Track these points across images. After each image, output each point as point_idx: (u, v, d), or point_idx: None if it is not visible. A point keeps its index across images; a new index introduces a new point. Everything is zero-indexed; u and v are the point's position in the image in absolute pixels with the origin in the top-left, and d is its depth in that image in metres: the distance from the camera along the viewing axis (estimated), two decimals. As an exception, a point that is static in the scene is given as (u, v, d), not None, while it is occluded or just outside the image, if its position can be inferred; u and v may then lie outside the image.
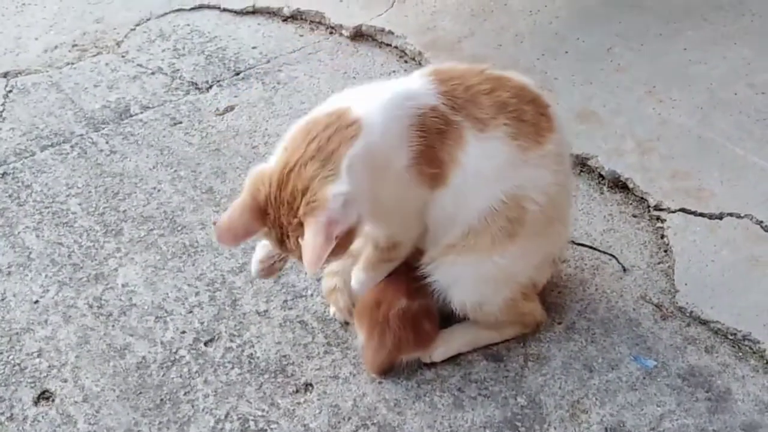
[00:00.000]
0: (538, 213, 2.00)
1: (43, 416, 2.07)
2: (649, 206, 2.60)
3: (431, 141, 1.92)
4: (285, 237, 1.90)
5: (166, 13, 3.58)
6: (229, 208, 1.93)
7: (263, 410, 2.08)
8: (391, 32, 3.36)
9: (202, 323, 2.28)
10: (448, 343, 2.20)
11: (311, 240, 1.80)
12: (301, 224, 1.84)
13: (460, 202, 1.98)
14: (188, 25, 3.52)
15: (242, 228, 1.92)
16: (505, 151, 1.96)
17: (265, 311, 2.32)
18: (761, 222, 2.50)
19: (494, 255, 2.01)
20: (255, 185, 1.90)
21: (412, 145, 1.90)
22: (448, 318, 2.18)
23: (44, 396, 2.12)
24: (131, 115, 3.01)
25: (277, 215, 1.88)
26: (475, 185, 1.96)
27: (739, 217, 2.53)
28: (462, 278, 2.06)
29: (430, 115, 1.92)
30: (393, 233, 2.08)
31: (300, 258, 1.87)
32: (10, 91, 3.13)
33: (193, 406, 2.09)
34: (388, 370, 2.15)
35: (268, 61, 3.29)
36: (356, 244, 2.22)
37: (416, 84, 1.99)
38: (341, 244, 1.84)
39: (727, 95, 2.98)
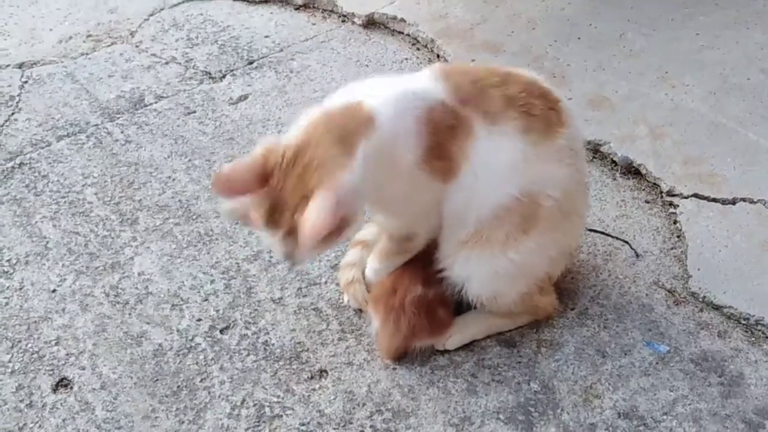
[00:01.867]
0: (554, 209, 2.00)
1: (61, 403, 2.10)
2: (661, 192, 2.61)
3: (441, 136, 1.92)
4: (279, 209, 1.87)
5: (180, 3, 3.60)
6: (234, 162, 1.92)
7: (278, 396, 2.10)
8: (403, 20, 3.37)
9: (217, 311, 2.30)
10: (462, 332, 2.21)
11: (316, 212, 1.77)
12: (305, 198, 1.81)
13: (473, 196, 1.97)
14: (201, 14, 3.53)
15: (241, 185, 1.89)
16: (516, 146, 1.95)
17: (280, 299, 2.34)
18: (774, 207, 2.51)
19: (509, 251, 2.02)
20: (267, 152, 1.89)
21: (422, 140, 1.90)
22: (462, 303, 2.18)
23: (62, 383, 2.14)
24: (145, 105, 3.03)
25: (281, 185, 1.86)
26: (487, 179, 1.95)
27: (751, 202, 2.54)
28: (476, 273, 2.07)
29: (439, 110, 1.92)
30: (408, 225, 2.10)
31: (285, 234, 1.87)
32: (26, 82, 3.15)
33: (209, 393, 2.11)
34: (402, 356, 2.17)
35: (281, 50, 3.31)
36: (371, 234, 2.25)
37: (424, 79, 1.99)
38: (333, 232, 1.82)
39: (739, 80, 2.98)
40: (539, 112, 1.98)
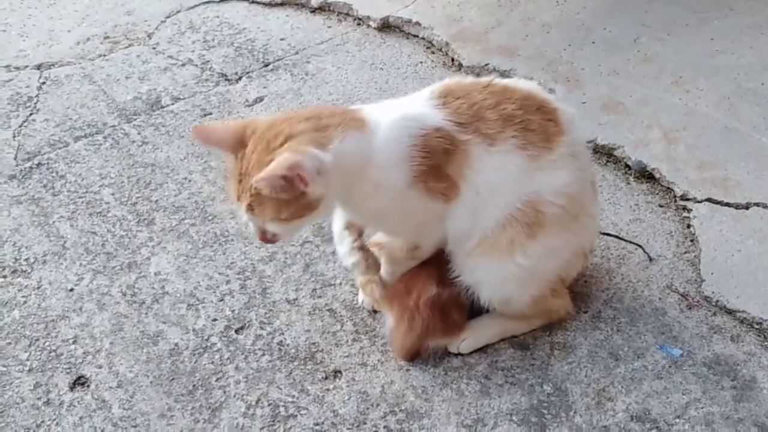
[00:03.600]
0: (559, 213, 2.03)
1: (78, 401, 2.12)
2: (675, 196, 2.61)
3: (436, 159, 1.96)
4: (246, 177, 1.90)
5: (196, 5, 3.63)
6: (220, 121, 1.97)
7: (293, 396, 2.12)
8: (418, 23, 3.38)
9: (233, 311, 2.33)
10: (475, 336, 2.23)
11: (271, 165, 1.81)
12: (270, 162, 1.84)
13: (475, 216, 2.03)
14: (218, 17, 3.56)
15: (216, 138, 1.97)
16: (515, 162, 1.99)
17: (295, 299, 2.35)
18: (788, 212, 2.51)
19: (516, 256, 2.04)
20: (249, 123, 1.95)
21: (413, 164, 1.94)
22: (474, 307, 2.20)
23: (80, 381, 2.17)
24: (162, 107, 3.06)
25: (252, 151, 1.90)
26: (489, 198, 2.01)
27: (765, 207, 2.54)
28: (486, 279, 2.11)
29: (435, 136, 1.96)
30: (409, 240, 2.15)
31: (247, 207, 1.91)
32: (44, 83, 3.18)
33: (224, 392, 2.13)
34: (415, 356, 2.18)
35: (297, 53, 3.33)
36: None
37: (423, 105, 2.03)
38: (285, 185, 1.83)
39: (753, 85, 2.98)
40: (536, 126, 2.02)
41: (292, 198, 1.86)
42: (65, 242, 2.52)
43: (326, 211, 2.01)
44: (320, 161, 1.84)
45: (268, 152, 1.86)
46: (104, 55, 3.34)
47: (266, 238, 1.98)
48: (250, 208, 1.91)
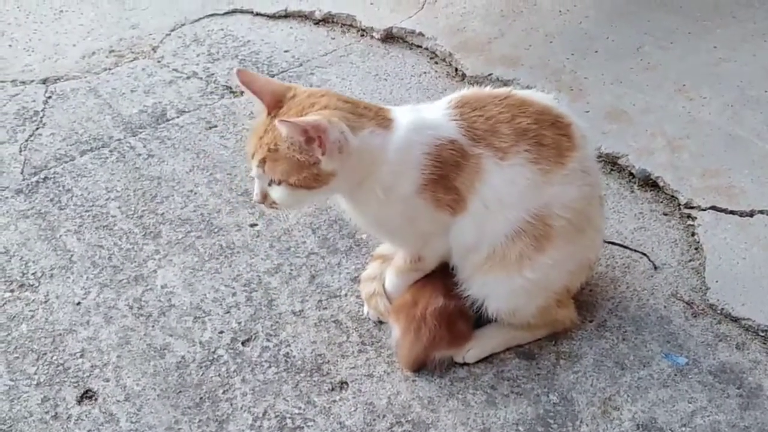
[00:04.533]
0: (566, 227, 2.04)
1: (86, 415, 2.13)
2: (679, 204, 2.62)
3: (446, 171, 1.99)
4: (272, 128, 1.94)
5: (200, 18, 3.64)
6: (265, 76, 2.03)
7: (300, 408, 2.13)
8: (421, 34, 3.40)
9: (239, 323, 2.33)
10: (481, 345, 2.24)
11: (300, 117, 1.89)
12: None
13: (482, 229, 2.05)
14: (222, 29, 3.57)
15: (258, 86, 2.01)
16: (526, 176, 2.01)
17: (301, 311, 2.36)
18: (792, 219, 2.52)
19: (525, 270, 2.06)
20: (292, 87, 2.01)
21: (424, 172, 1.98)
22: (481, 316, 2.21)
23: (87, 395, 2.18)
24: (168, 120, 3.07)
25: (285, 112, 1.95)
26: (498, 211, 2.02)
27: (769, 214, 2.55)
28: (494, 293, 2.13)
29: (448, 147, 1.99)
30: (412, 251, 2.17)
31: (261, 161, 1.95)
32: (50, 97, 3.20)
33: (231, 405, 2.14)
34: (421, 367, 2.19)
35: (301, 65, 3.34)
36: (390, 249, 2.29)
37: (442, 112, 2.06)
38: (301, 167, 1.90)
39: (756, 93, 2.99)
40: (550, 141, 2.03)
41: (305, 163, 1.91)
42: (72, 256, 2.54)
43: (331, 193, 2.06)
44: (346, 139, 1.89)
45: (299, 114, 1.92)
46: (109, 69, 3.36)
47: (265, 201, 2.02)
48: (263, 162, 1.94)
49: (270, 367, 2.23)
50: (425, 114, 2.06)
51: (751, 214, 2.55)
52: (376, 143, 1.96)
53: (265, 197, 2.02)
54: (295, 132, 1.86)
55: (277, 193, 1.99)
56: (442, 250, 2.15)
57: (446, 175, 2.00)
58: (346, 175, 1.95)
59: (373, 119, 1.98)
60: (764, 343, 2.25)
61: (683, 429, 2.07)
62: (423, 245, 2.14)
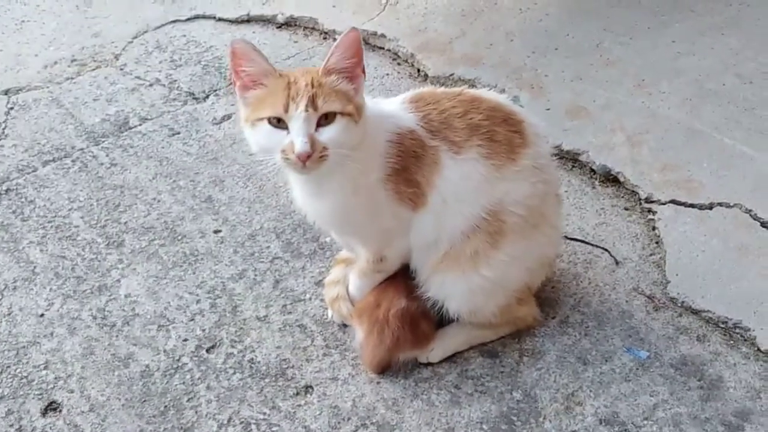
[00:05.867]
0: (519, 223, 2.07)
1: (50, 427, 2.12)
2: (640, 199, 2.64)
3: (408, 162, 2.02)
4: (298, 81, 1.92)
5: (163, 25, 3.64)
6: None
7: (265, 414, 2.13)
8: (383, 35, 3.41)
9: (203, 330, 2.34)
10: (444, 345, 2.25)
11: None
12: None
13: (441, 224, 2.07)
14: (184, 35, 3.57)
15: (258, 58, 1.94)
16: (480, 170, 2.03)
17: (265, 316, 2.37)
18: (750, 211, 2.54)
19: (481, 268, 2.08)
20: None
21: (389, 160, 2.01)
22: (444, 316, 2.22)
23: (52, 407, 2.17)
24: (130, 128, 3.07)
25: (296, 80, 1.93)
26: (455, 206, 2.05)
27: (728, 206, 2.57)
28: (453, 293, 2.14)
29: (409, 137, 2.02)
30: (374, 249, 2.17)
31: (309, 102, 1.90)
32: (12, 108, 3.18)
33: (196, 412, 2.14)
34: (386, 369, 2.20)
35: (264, 69, 3.33)
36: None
37: (399, 105, 2.09)
38: (349, 98, 1.92)
39: (715, 86, 3.02)
40: (501, 137, 2.06)
41: (349, 94, 1.92)
42: (35, 267, 2.53)
43: (360, 142, 1.96)
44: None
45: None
46: (72, 78, 3.34)
47: (314, 150, 1.87)
48: (312, 100, 1.87)
49: (235, 373, 2.23)
50: (385, 105, 2.10)
51: (710, 206, 2.58)
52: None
53: (314, 144, 1.88)
54: (354, 44, 1.90)
55: (330, 132, 1.89)
56: (404, 250, 2.16)
57: (407, 167, 2.02)
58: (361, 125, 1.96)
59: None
60: (724, 335, 2.28)
61: (645, 422, 2.09)
62: (385, 244, 2.15)
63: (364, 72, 1.95)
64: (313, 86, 1.89)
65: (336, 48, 1.90)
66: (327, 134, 1.89)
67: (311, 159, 1.87)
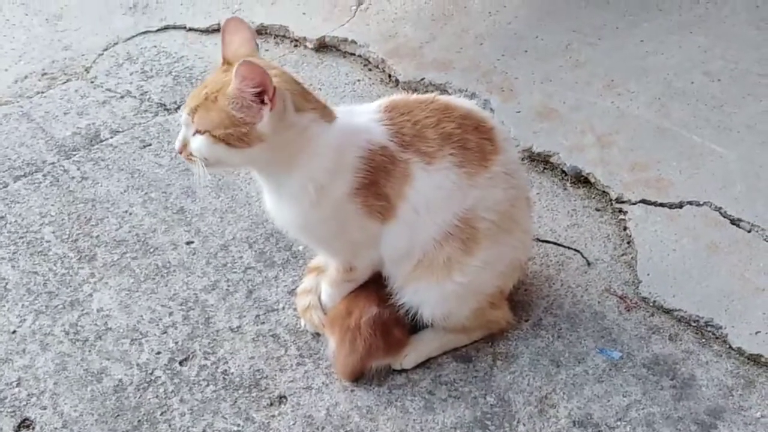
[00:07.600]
0: (492, 228, 2.08)
1: (24, 444, 2.12)
2: (611, 199, 2.66)
3: (377, 177, 2.02)
4: (213, 82, 1.97)
5: (133, 36, 3.62)
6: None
7: (238, 425, 2.13)
8: (354, 42, 3.40)
9: (176, 343, 2.33)
10: (417, 350, 2.25)
11: None
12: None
13: (414, 234, 2.08)
14: (155, 46, 3.55)
15: (238, 36, 2.02)
16: (452, 179, 2.04)
17: (238, 327, 2.36)
18: (720, 208, 2.56)
19: (454, 275, 2.09)
20: (256, 56, 2.02)
21: (357, 176, 2.01)
22: (417, 322, 2.22)
23: (24, 424, 2.16)
24: (101, 141, 3.06)
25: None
26: (427, 216, 2.06)
27: (698, 204, 2.59)
28: (426, 300, 2.15)
29: (380, 153, 2.03)
30: (343, 259, 2.17)
31: (191, 110, 1.97)
32: (-18, 124, 3.17)
33: (170, 426, 2.14)
34: (359, 377, 2.20)
35: (235, 78, 3.33)
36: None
37: (372, 118, 2.08)
38: (232, 122, 1.91)
39: (683, 84, 3.03)
40: (473, 145, 2.07)
41: (238, 121, 1.90)
42: (6, 284, 2.52)
43: (247, 162, 2.04)
44: (286, 109, 1.93)
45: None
46: (42, 92, 3.33)
47: (183, 151, 2.01)
48: (194, 111, 1.95)
49: (208, 385, 2.22)
50: (358, 118, 2.09)
51: (680, 205, 2.59)
52: (314, 132, 1.98)
53: (184, 146, 2.00)
54: (256, 76, 1.85)
55: (197, 143, 1.96)
56: (374, 260, 2.17)
57: (377, 181, 2.03)
58: (273, 146, 1.95)
59: (317, 111, 2.00)
60: (696, 333, 2.29)
61: (618, 423, 2.10)
62: (353, 256, 2.15)
63: (272, 102, 1.88)
64: (206, 98, 1.93)
65: (235, 74, 1.87)
66: (194, 144, 1.98)
67: (183, 155, 2.03)
